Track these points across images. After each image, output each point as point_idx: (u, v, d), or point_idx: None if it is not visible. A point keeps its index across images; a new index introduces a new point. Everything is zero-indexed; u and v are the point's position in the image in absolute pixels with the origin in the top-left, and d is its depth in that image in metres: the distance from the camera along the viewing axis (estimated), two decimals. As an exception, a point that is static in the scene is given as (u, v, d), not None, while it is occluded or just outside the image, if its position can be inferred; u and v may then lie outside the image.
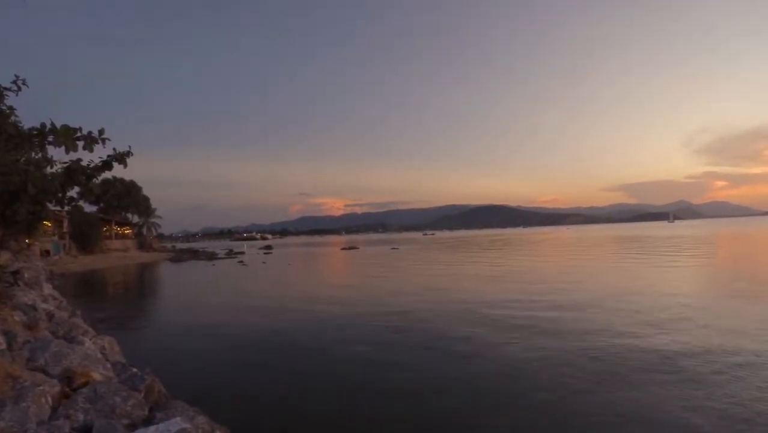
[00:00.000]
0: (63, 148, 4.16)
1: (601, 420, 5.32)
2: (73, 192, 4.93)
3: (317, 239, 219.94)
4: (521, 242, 66.31)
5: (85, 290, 23.36)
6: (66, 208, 16.59)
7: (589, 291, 15.05)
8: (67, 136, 4.13)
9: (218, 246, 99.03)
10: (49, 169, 4.83)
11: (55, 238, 40.74)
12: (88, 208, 51.06)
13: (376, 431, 5.47)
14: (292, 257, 49.63)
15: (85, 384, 4.12)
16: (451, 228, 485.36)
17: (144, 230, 67.91)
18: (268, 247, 79.64)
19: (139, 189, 63.08)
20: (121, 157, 4.39)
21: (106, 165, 4.45)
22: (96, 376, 4.45)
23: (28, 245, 30.31)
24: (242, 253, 59.65)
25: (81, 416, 3.51)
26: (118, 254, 50.09)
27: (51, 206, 5.62)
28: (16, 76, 4.75)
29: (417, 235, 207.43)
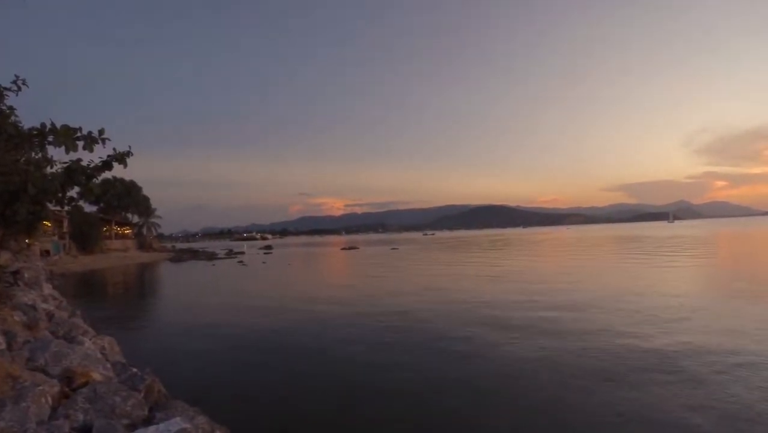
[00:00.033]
0: (63, 148, 4.16)
1: (601, 420, 5.32)
2: (73, 192, 4.94)
3: (317, 239, 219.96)
4: (521, 242, 66.32)
5: (85, 290, 23.36)
6: (66, 208, 16.59)
7: (589, 291, 15.05)
8: (67, 136, 4.13)
9: (218, 246, 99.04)
10: (49, 169, 4.83)
11: (55, 238, 40.74)
12: (88, 208, 51.14)
13: (376, 431, 5.47)
14: (292, 257, 49.64)
15: (85, 384, 4.11)
16: (451, 228, 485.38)
17: (144, 230, 67.91)
18: (268, 247, 79.65)
19: (139, 189, 63.10)
20: (121, 157, 4.39)
21: (106, 165, 4.45)
22: (96, 376, 4.45)
23: (28, 245, 30.31)
24: (242, 253, 59.66)
25: (81, 416, 3.51)
26: (118, 253, 50.09)
27: (51, 206, 5.62)
28: (16, 76, 4.76)
29: (417, 235, 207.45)
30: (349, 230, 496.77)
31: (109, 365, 5.22)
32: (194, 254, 59.44)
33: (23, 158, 4.89)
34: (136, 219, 66.76)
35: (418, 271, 26.65)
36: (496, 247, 53.51)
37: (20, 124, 4.82)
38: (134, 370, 4.97)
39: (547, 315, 11.28)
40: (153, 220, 69.40)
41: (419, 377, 7.14)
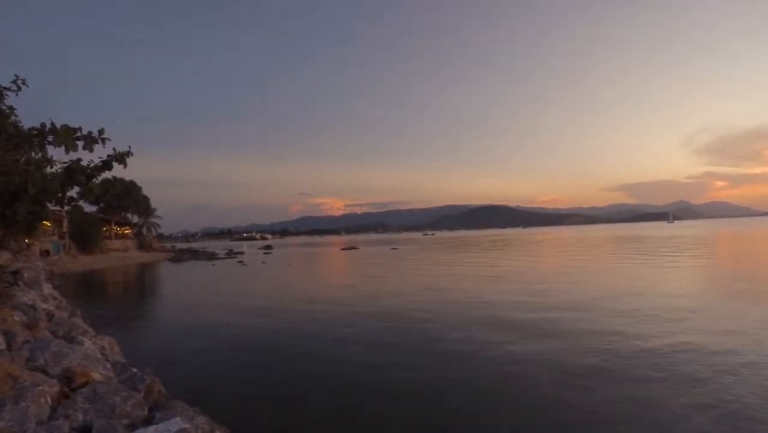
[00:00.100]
0: (63, 148, 4.16)
1: (601, 420, 5.32)
2: (73, 192, 4.94)
3: (317, 239, 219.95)
4: (521, 242, 66.32)
5: (85, 290, 23.35)
6: (66, 208, 16.59)
7: (589, 291, 15.05)
8: (67, 136, 4.13)
9: (218, 246, 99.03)
10: (49, 169, 4.83)
11: (55, 238, 40.74)
12: (88, 208, 51.15)
13: (376, 431, 5.47)
14: (292, 257, 49.63)
15: (85, 384, 4.12)
16: (450, 228, 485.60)
17: (144, 230, 67.91)
18: (268, 247, 79.65)
19: (139, 189, 63.11)
20: (121, 157, 4.39)
21: (106, 165, 4.45)
22: (96, 376, 4.45)
23: (28, 245, 30.32)
24: (242, 253, 59.67)
25: (80, 416, 3.51)
26: (117, 254, 50.09)
27: (51, 206, 5.62)
28: (16, 76, 4.76)
29: (417, 235, 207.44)
30: (349, 230, 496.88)
31: (109, 365, 5.23)
32: (194, 254, 59.44)
33: (23, 158, 4.89)
34: (136, 219, 66.78)
35: (418, 271, 26.64)
36: (495, 247, 53.51)
37: (20, 124, 4.82)
38: (134, 370, 4.97)
39: (547, 315, 11.28)
40: (153, 220, 69.43)
41: (419, 377, 7.13)
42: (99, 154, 4.30)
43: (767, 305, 11.77)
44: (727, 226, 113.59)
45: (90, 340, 6.39)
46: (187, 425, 3.39)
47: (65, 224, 42.97)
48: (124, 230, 62.40)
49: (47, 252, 36.26)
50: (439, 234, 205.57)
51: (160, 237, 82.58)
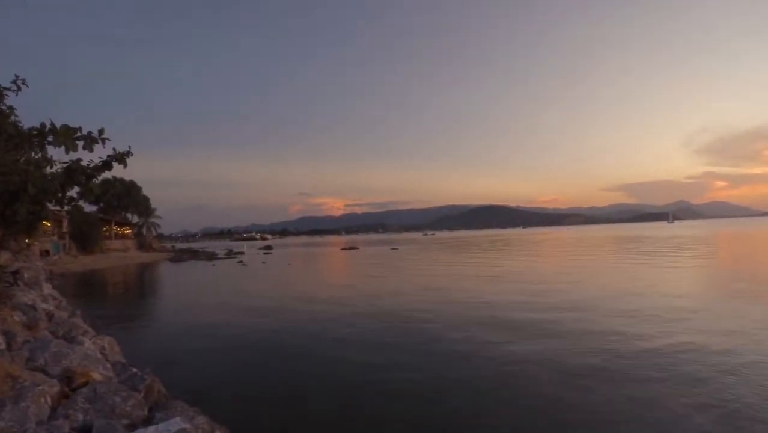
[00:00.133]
0: (63, 148, 4.16)
1: (601, 420, 5.32)
2: (73, 192, 4.93)
3: (317, 239, 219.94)
4: (521, 242, 66.32)
5: (85, 289, 23.35)
6: (66, 208, 16.59)
7: (589, 291, 15.05)
8: (67, 136, 4.13)
9: (218, 246, 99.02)
10: (49, 169, 4.83)
11: (55, 238, 40.74)
12: (88, 208, 51.15)
13: (376, 431, 5.46)
14: (292, 257, 49.63)
15: (85, 384, 4.11)
16: (450, 228, 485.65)
17: (144, 230, 67.92)
18: (268, 247, 79.65)
19: (139, 189, 63.11)
20: (121, 157, 4.39)
21: (106, 165, 4.45)
22: (96, 376, 4.45)
23: (28, 245, 30.32)
24: (242, 253, 59.66)
25: (80, 416, 3.51)
26: (117, 254, 50.09)
27: (51, 206, 5.62)
28: (16, 76, 4.76)
29: (417, 235, 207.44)
30: (349, 230, 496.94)
31: (109, 365, 5.22)
32: (194, 254, 59.43)
33: (23, 158, 4.89)
34: (135, 219, 66.79)
35: (418, 271, 26.64)
36: (495, 247, 53.52)
37: (20, 124, 4.82)
38: (134, 370, 4.97)
39: (548, 315, 11.27)
40: (153, 220, 69.44)
41: (419, 377, 7.13)
42: (99, 154, 4.31)
43: (767, 305, 11.78)
44: (727, 226, 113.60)
45: (90, 340, 6.39)
46: (187, 425, 3.39)
47: (65, 223, 42.98)
48: (124, 230, 62.41)
49: (47, 252, 36.26)
50: (439, 234, 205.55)
51: (160, 237, 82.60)
